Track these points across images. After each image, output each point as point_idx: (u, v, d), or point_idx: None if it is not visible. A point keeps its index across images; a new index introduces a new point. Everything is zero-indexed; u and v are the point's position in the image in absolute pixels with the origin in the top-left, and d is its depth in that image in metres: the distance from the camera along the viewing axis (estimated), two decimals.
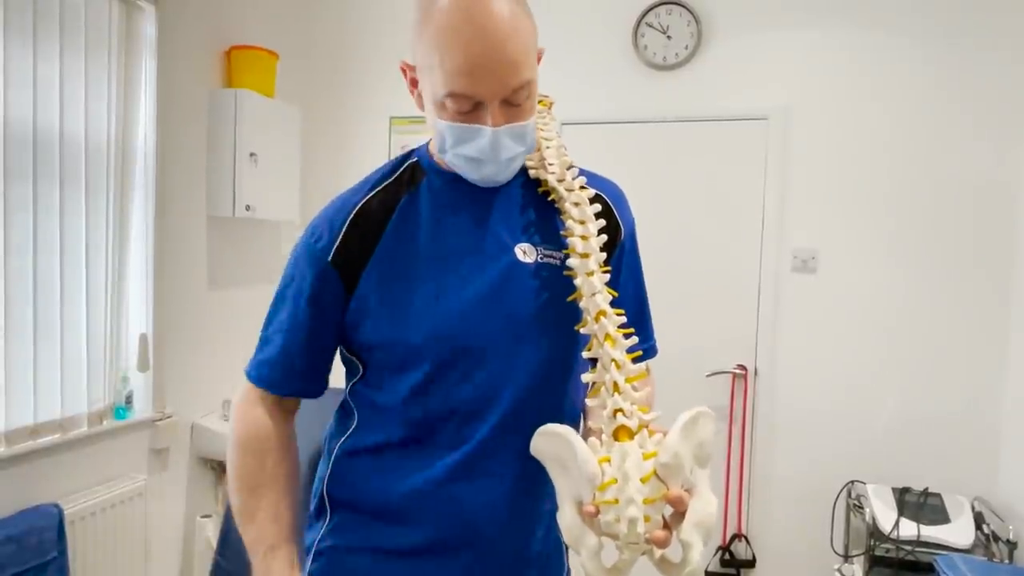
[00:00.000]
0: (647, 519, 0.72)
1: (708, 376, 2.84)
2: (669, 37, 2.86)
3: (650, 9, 2.86)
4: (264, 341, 0.98)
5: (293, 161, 2.99)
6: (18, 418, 2.02)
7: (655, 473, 0.73)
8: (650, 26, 2.87)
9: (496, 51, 0.82)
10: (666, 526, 0.74)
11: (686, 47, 2.84)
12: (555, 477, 0.81)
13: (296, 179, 3.00)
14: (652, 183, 2.91)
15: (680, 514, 0.74)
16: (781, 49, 2.76)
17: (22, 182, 2.00)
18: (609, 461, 0.76)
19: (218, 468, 2.79)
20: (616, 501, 0.72)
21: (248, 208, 2.70)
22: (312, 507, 1.00)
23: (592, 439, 0.79)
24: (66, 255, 2.14)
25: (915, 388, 2.63)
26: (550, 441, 0.81)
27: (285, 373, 0.96)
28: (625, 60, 2.93)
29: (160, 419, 2.50)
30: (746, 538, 2.82)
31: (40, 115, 2.03)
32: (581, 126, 2.98)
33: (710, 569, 2.82)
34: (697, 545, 0.72)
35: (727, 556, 2.80)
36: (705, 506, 0.74)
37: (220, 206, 2.69)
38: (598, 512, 0.74)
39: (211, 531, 2.62)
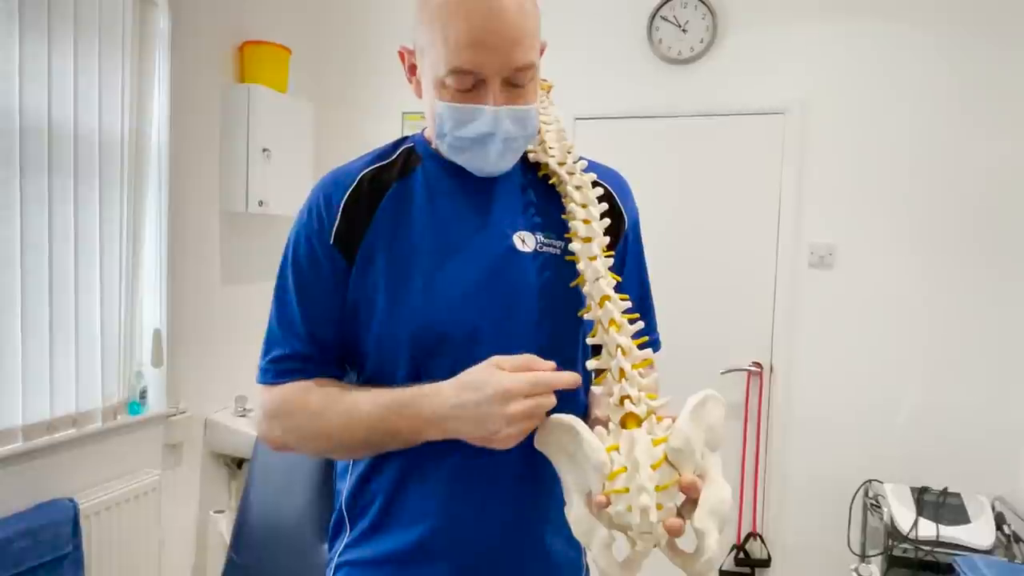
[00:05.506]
0: (659, 507, 0.69)
1: (723, 373, 2.81)
2: (684, 31, 2.83)
3: (665, 2, 2.83)
4: (276, 336, 0.91)
5: (306, 156, 2.99)
6: (34, 413, 2.02)
7: (666, 459, 0.71)
8: (665, 19, 2.85)
9: (501, 24, 0.79)
10: (679, 515, 0.72)
11: (701, 41, 2.81)
12: (562, 471, 0.78)
13: (309, 174, 2.99)
14: (667, 178, 2.88)
15: (693, 501, 0.71)
16: (797, 42, 2.73)
17: (37, 177, 2.00)
18: (618, 449, 0.73)
19: (232, 464, 2.80)
20: (627, 490, 0.70)
21: (261, 203, 2.70)
22: (332, 521, 0.98)
23: (599, 428, 0.76)
24: (80, 250, 2.14)
25: (934, 386, 2.59)
26: (555, 432, 0.78)
27: (310, 357, 0.90)
28: (640, 54, 2.90)
29: (174, 414, 2.50)
30: (761, 537, 2.79)
31: (55, 110, 2.03)
32: (596, 121, 2.96)
33: (725, 568, 2.80)
34: (712, 533, 0.69)
35: (742, 555, 2.78)
36: (718, 492, 0.71)
37: (233, 201, 2.69)
38: (608, 502, 0.71)
39: (224, 526, 2.62)
